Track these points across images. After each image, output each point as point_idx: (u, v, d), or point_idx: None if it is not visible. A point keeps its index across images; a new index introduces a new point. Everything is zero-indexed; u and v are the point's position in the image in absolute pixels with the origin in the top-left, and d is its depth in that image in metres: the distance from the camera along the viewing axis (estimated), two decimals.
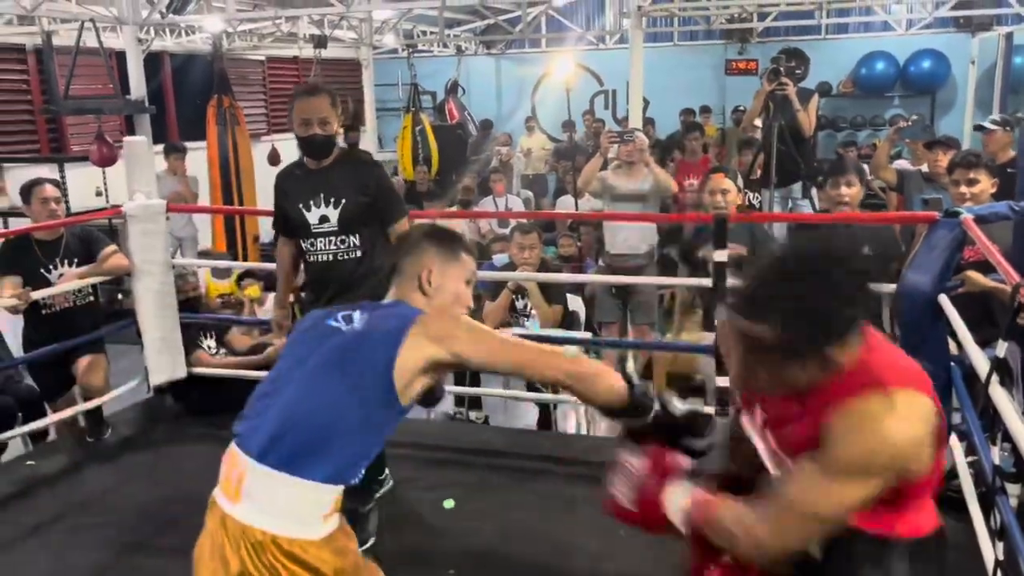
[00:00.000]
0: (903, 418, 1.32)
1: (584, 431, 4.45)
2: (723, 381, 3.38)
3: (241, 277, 5.48)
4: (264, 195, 8.42)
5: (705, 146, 8.03)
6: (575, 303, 4.89)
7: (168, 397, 4.40)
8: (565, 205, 7.86)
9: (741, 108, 10.25)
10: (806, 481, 1.37)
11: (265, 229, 8.34)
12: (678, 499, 1.53)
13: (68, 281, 3.99)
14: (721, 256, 3.23)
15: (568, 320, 4.56)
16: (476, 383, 4.48)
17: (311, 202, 2.94)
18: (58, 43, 7.27)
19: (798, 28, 11.29)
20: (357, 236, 2.94)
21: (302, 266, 3.16)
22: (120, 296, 6.50)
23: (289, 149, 9.71)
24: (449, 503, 3.23)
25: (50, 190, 4.06)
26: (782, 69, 5.32)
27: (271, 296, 5.18)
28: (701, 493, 1.52)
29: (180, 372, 4.21)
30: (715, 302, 3.29)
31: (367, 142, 11.50)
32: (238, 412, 4.11)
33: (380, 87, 12.41)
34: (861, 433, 1.31)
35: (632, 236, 4.99)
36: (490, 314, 4.50)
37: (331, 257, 2.96)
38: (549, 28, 11.83)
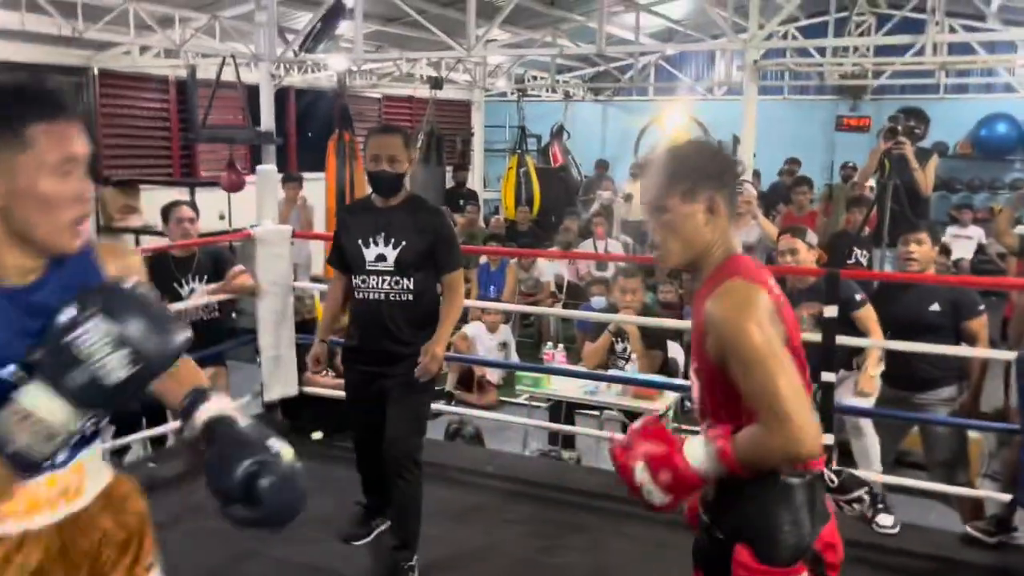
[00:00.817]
0: (745, 290, 1.51)
1: None
2: None
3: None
4: None
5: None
6: (674, 350, 4.91)
7: (278, 413, 4.62)
8: None
9: (850, 164, 10.07)
10: (758, 379, 1.46)
11: None
12: (697, 451, 1.52)
13: (200, 297, 4.27)
14: (832, 312, 3.21)
15: (667, 366, 4.58)
16: (571, 421, 4.56)
17: (371, 239, 2.97)
18: (198, 76, 7.81)
19: (915, 86, 11.06)
20: (411, 279, 2.97)
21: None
22: (234, 315, 6.85)
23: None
24: None
25: (186, 211, 4.40)
26: (900, 128, 5.26)
27: None
28: (711, 437, 1.53)
29: (292, 390, 4.42)
30: (826, 358, 3.25)
31: (474, 181, 11.80)
32: (343, 431, 4.28)
33: (489, 128, 12.75)
34: (730, 312, 1.48)
35: None
36: (589, 355, 4.57)
37: (382, 296, 2.98)
38: (658, 77, 11.95)
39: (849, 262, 5.52)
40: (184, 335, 1.26)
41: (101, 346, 1.13)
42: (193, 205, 4.55)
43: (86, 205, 1.28)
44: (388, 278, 2.96)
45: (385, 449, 2.94)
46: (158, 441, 4.65)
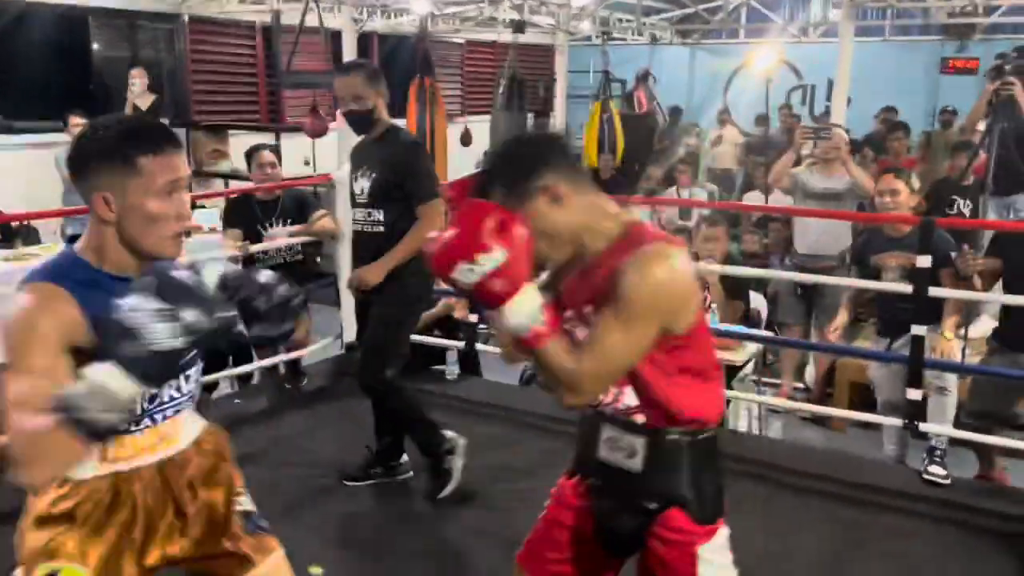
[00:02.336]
0: (682, 261, 1.46)
1: (756, 431, 4.34)
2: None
3: None
4: (454, 174, 8.75)
5: (908, 148, 7.55)
6: (757, 301, 4.77)
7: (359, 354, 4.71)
8: (752, 201, 7.64)
9: (950, 109, 9.50)
10: (611, 327, 1.43)
11: None
12: (525, 308, 1.40)
13: (279, 238, 4.36)
14: (924, 262, 3.05)
15: (749, 317, 4.46)
16: None
17: (357, 172, 3.09)
18: (283, 21, 7.88)
19: None
20: (381, 211, 3.03)
21: None
22: (319, 259, 6.99)
23: (481, 131, 10.07)
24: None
25: (267, 156, 4.48)
26: (1008, 67, 4.90)
27: None
28: (548, 315, 1.42)
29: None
30: (917, 310, 3.10)
31: (556, 128, 11.65)
32: (418, 373, 4.33)
33: (572, 74, 12.51)
34: (651, 267, 1.43)
35: (825, 236, 4.80)
36: None
37: (360, 227, 3.11)
38: (749, 19, 11.47)
39: (950, 212, 5.23)
40: (226, 312, 1.48)
41: (151, 323, 1.29)
42: (276, 150, 4.62)
43: (186, 221, 1.52)
44: (364, 210, 3.07)
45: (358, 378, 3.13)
46: (244, 379, 4.82)
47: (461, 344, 4.35)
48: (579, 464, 1.69)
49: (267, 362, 4.42)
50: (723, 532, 1.58)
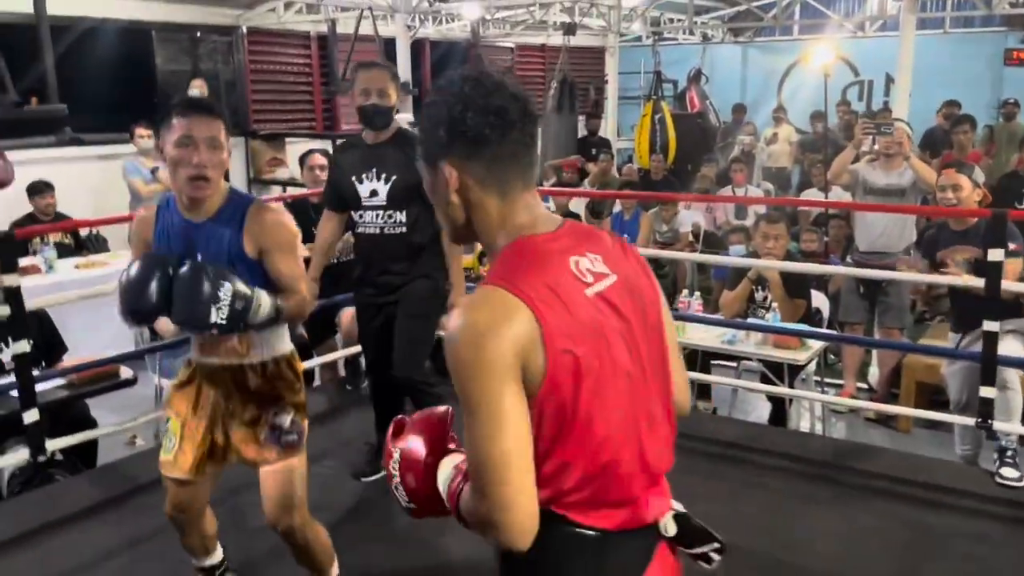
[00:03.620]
0: (476, 311, 1.12)
1: (820, 431, 4.28)
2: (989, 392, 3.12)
3: (483, 253, 5.79)
4: None
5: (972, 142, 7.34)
6: (818, 299, 4.69)
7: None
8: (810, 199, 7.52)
9: (1011, 101, 9.20)
10: (469, 429, 1.11)
11: None
12: (445, 472, 1.27)
13: (344, 243, 4.43)
14: (997, 256, 2.97)
15: (810, 315, 4.39)
16: (707, 372, 4.46)
17: (364, 175, 3.05)
18: (338, 30, 8.01)
19: None
20: (403, 212, 3.03)
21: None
22: None
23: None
24: None
25: (318, 158, 4.59)
26: None
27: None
28: (458, 469, 1.24)
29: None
30: (988, 306, 3.02)
31: (607, 130, 11.62)
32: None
33: (623, 75, 12.47)
34: (454, 339, 1.10)
35: (889, 232, 4.70)
36: (728, 303, 4.44)
37: (378, 231, 3.07)
38: (803, 14, 11.29)
39: (1019, 205, 5.09)
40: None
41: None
42: (326, 152, 4.72)
43: (201, 169, 2.02)
44: (382, 212, 3.05)
45: (392, 375, 3.11)
46: (305, 379, 4.90)
47: None
48: None
49: (328, 358, 4.49)
50: None
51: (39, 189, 5.69)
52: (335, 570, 2.45)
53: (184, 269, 2.04)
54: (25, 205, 5.71)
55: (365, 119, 3.08)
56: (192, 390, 2.25)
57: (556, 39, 10.46)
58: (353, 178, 3.08)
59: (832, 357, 5.36)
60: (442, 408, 1.37)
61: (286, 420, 2.22)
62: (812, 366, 4.28)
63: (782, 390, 4.05)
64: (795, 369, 4.10)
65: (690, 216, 7.43)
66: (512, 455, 1.10)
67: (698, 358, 4.43)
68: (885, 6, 9.88)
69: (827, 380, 4.79)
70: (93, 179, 6.76)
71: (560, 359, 1.12)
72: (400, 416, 1.40)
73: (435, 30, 10.05)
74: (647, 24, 11.34)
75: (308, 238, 4.47)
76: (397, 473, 1.30)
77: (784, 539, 2.92)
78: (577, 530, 1.18)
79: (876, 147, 4.90)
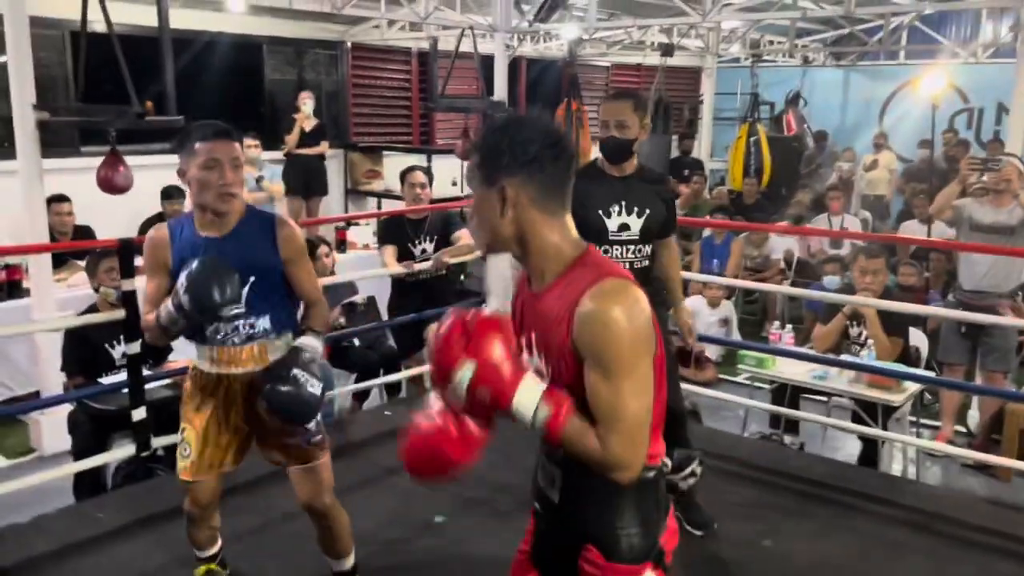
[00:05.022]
0: (639, 294, 1.41)
1: (912, 475, 4.13)
2: None
3: None
4: None
5: None
6: (916, 337, 4.54)
7: None
8: (909, 231, 7.28)
9: None
10: (613, 387, 1.38)
11: None
12: (529, 398, 1.40)
13: (437, 261, 4.53)
14: None
15: (907, 354, 4.26)
16: (795, 406, 4.37)
17: (611, 208, 2.94)
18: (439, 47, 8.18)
19: None
20: (648, 246, 3.01)
21: None
22: (463, 277, 7.20)
23: None
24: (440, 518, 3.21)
25: (419, 176, 4.71)
26: None
27: None
28: (554, 399, 1.40)
29: None
30: None
31: (700, 150, 11.50)
32: None
33: (719, 95, 12.33)
34: (619, 308, 1.37)
35: (995, 272, 4.52)
36: (821, 338, 4.34)
37: (627, 265, 2.96)
38: (911, 39, 10.93)
39: None
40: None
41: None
42: (428, 171, 4.83)
43: (228, 187, 2.24)
44: (632, 247, 2.97)
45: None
46: (393, 389, 5.03)
47: None
48: (533, 487, 1.66)
49: (414, 371, 4.60)
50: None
51: (170, 194, 6.03)
52: (352, 559, 2.62)
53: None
54: (155, 207, 6.09)
55: (603, 152, 3.00)
56: (209, 401, 2.40)
57: (653, 58, 10.41)
58: (600, 211, 2.94)
59: (929, 397, 5.17)
60: (498, 313, 1.49)
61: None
62: (908, 406, 4.14)
63: (875, 431, 3.94)
64: (889, 409, 3.98)
65: (782, 242, 7.29)
66: (646, 411, 1.41)
67: (787, 392, 4.35)
68: (1000, 32, 9.49)
69: (923, 421, 4.63)
70: None
71: (658, 337, 1.45)
72: (456, 311, 1.46)
73: (532, 48, 10.15)
74: (746, 46, 11.18)
75: (405, 253, 4.61)
76: (467, 377, 1.39)
77: None
78: (652, 472, 1.51)
79: (984, 179, 4.72)
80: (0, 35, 4.56)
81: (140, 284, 2.76)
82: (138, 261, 2.79)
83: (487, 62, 7.71)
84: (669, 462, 1.59)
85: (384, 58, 9.28)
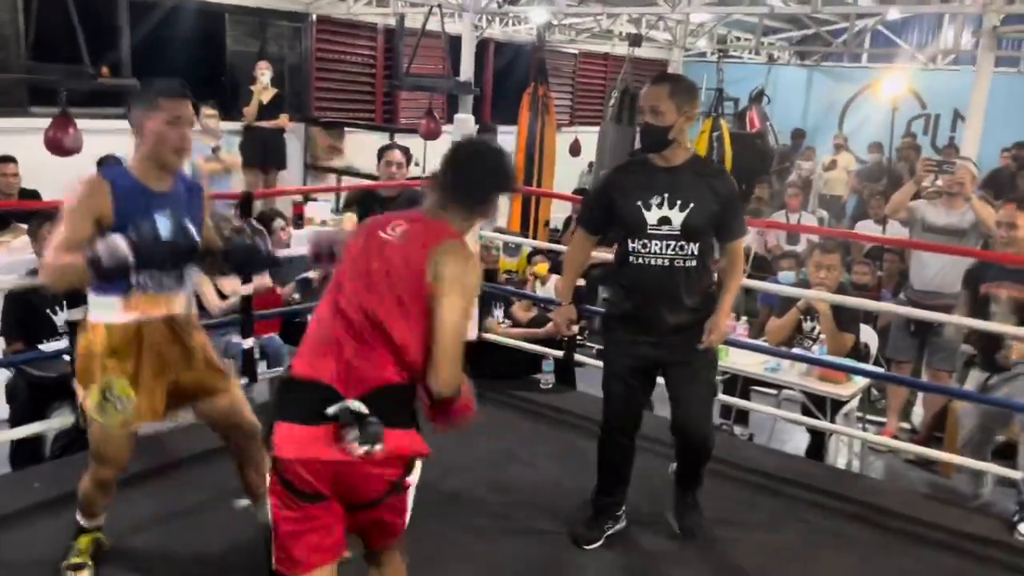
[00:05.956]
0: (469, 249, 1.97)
1: (857, 469, 4.20)
2: None
3: (532, 255, 5.81)
4: (562, 183, 8.79)
5: None
6: (866, 334, 4.61)
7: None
8: (864, 230, 7.39)
9: None
10: (457, 312, 1.86)
11: (557, 215, 8.71)
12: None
13: None
14: None
15: (858, 350, 4.32)
16: (746, 397, 4.41)
17: (651, 201, 2.73)
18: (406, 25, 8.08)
19: None
20: (696, 244, 2.75)
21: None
22: None
23: (590, 142, 10.08)
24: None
25: (396, 155, 4.63)
26: None
27: (554, 277, 5.45)
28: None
29: (472, 335, 4.54)
30: None
31: None
32: (518, 377, 4.35)
33: None
34: (467, 261, 1.92)
35: (946, 273, 4.60)
36: (774, 331, 4.38)
37: (666, 262, 2.75)
38: (874, 42, 11.10)
39: None
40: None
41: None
42: (407, 151, 4.75)
43: (187, 143, 2.38)
44: (673, 243, 2.73)
45: (684, 429, 2.84)
46: None
47: (559, 353, 4.35)
48: None
49: None
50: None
51: (106, 163, 5.84)
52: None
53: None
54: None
55: (640, 141, 2.83)
56: (129, 350, 2.42)
57: (620, 49, 10.42)
58: (639, 203, 2.74)
59: (876, 393, 5.26)
60: None
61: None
62: (855, 402, 4.21)
63: (824, 424, 3.99)
64: (838, 403, 4.04)
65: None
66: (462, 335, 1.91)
67: (738, 383, 4.39)
68: (959, 40, 9.67)
69: (868, 417, 4.71)
70: None
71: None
72: None
73: (500, 31, 10.08)
74: (713, 40, 11.25)
75: None
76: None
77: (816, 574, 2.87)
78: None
79: (939, 182, 4.80)
80: None
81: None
82: None
83: (455, 42, 7.63)
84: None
85: (349, 33, 9.14)
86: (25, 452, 3.55)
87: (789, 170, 10.68)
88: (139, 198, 2.34)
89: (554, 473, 3.48)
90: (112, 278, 2.26)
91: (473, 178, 2.01)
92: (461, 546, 2.93)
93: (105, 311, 2.39)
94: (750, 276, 6.91)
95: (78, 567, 2.56)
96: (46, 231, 3.48)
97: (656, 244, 2.74)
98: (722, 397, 4.41)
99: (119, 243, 2.18)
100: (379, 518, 1.95)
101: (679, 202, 2.71)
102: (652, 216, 2.73)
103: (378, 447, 1.78)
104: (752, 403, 4.38)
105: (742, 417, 4.58)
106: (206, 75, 8.03)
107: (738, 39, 11.73)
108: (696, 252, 2.74)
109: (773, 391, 4.52)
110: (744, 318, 4.78)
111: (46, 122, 4.66)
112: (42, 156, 4.43)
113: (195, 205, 2.49)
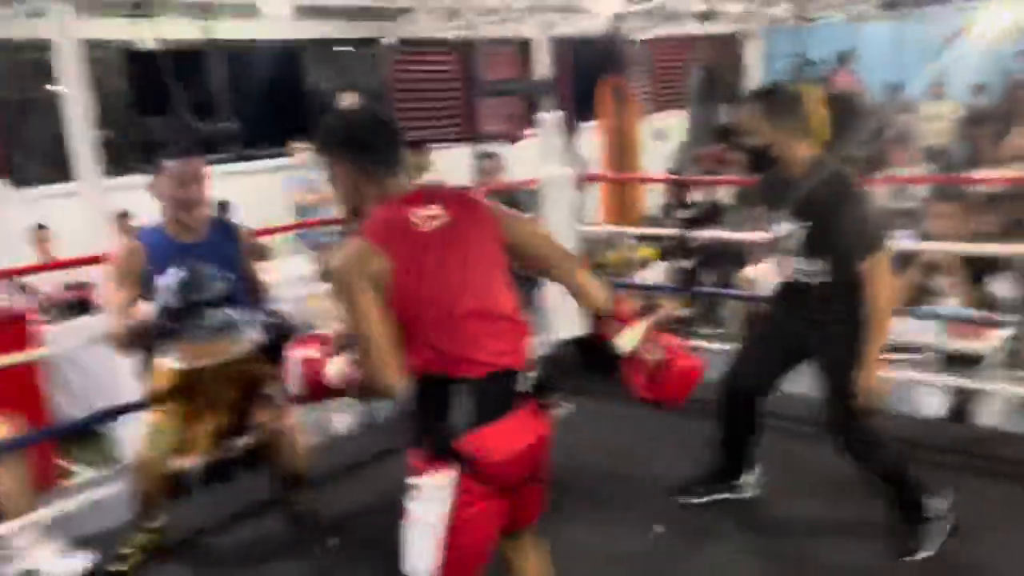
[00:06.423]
0: (338, 253, 1.80)
1: (1008, 428, 3.95)
2: None
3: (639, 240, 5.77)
4: (652, 170, 8.67)
5: None
6: (998, 285, 4.33)
7: (568, 352, 4.74)
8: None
9: None
10: (350, 326, 1.82)
11: (651, 202, 8.59)
12: (336, 366, 1.92)
13: None
14: None
15: (990, 302, 4.06)
16: None
17: (779, 214, 2.69)
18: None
19: None
20: (821, 262, 2.61)
21: None
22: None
23: (673, 126, 9.90)
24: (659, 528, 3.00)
25: (488, 164, 4.73)
26: None
27: (661, 263, 5.38)
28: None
29: (579, 331, 4.50)
30: None
31: None
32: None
33: (767, 59, 12.04)
34: (336, 262, 1.81)
35: None
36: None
37: (793, 278, 2.71)
38: None
39: None
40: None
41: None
42: (499, 158, 4.81)
43: (190, 198, 2.65)
44: (796, 260, 2.67)
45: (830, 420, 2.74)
46: None
47: None
48: None
49: None
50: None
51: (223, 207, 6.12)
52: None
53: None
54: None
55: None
56: (186, 393, 2.74)
57: (693, 28, 10.21)
58: (771, 217, 2.75)
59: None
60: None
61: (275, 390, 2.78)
62: (997, 357, 3.96)
63: (959, 382, 3.77)
64: (975, 360, 3.81)
65: None
66: (370, 335, 1.80)
67: None
68: None
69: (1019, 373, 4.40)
70: (257, 192, 7.15)
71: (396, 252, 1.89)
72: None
73: (572, 27, 10.02)
74: (792, 4, 10.87)
75: None
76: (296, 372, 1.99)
77: (992, 544, 2.70)
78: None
79: None
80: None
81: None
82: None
83: (529, 45, 7.63)
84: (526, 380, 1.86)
85: (424, 51, 9.27)
86: (169, 488, 3.71)
87: (886, 127, 10.22)
88: (171, 252, 2.64)
89: (676, 463, 3.41)
90: (140, 345, 2.67)
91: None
92: (579, 540, 2.90)
93: (165, 356, 2.76)
94: None
95: (124, 557, 2.85)
96: None
97: (787, 262, 2.79)
98: None
99: (144, 311, 2.56)
100: (540, 488, 1.98)
101: (798, 215, 2.66)
102: (781, 230, 2.76)
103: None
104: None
105: None
106: (291, 111, 8.30)
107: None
108: (825, 270, 2.65)
109: (902, 357, 4.30)
110: None
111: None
112: (153, 207, 4.66)
113: (229, 246, 2.76)
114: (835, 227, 2.53)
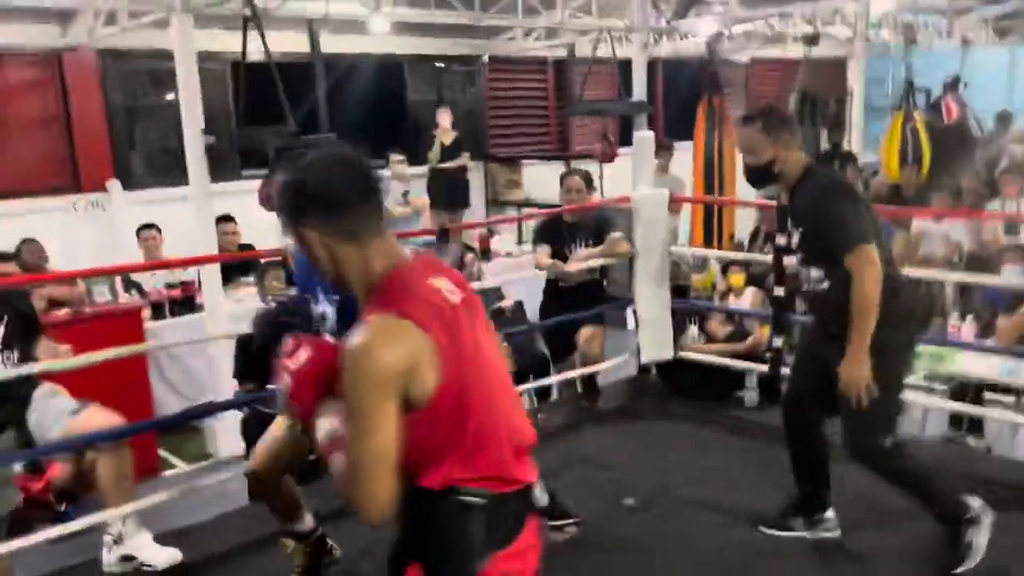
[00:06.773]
0: (369, 336, 1.38)
1: None
2: None
3: (725, 268, 5.66)
4: (743, 194, 8.50)
5: None
6: None
7: (653, 375, 4.70)
8: None
9: None
10: (349, 429, 1.41)
11: (741, 227, 8.44)
12: (323, 426, 1.52)
13: (578, 261, 4.49)
14: None
15: None
16: (979, 403, 4.03)
17: (788, 225, 2.82)
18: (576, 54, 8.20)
19: None
20: (819, 269, 2.68)
21: None
22: (605, 283, 7.12)
23: None
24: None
25: (575, 182, 4.67)
26: None
27: (750, 289, 5.26)
28: (336, 434, 1.48)
29: (668, 353, 4.46)
30: None
31: (851, 142, 10.96)
32: (720, 396, 4.24)
33: (869, 84, 11.72)
34: (348, 358, 1.38)
35: None
36: (1007, 330, 3.99)
37: (803, 286, 2.77)
38: None
39: None
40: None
41: None
42: (587, 175, 4.78)
43: None
44: (803, 268, 2.76)
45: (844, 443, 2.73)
46: (543, 394, 5.01)
47: (763, 367, 4.17)
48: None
49: (567, 375, 4.56)
50: None
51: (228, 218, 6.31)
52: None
53: None
54: None
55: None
56: None
57: (794, 51, 10.02)
58: (785, 229, 2.87)
59: None
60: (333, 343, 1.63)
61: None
62: None
63: None
64: None
65: (941, 232, 6.80)
66: (383, 452, 1.41)
67: (970, 389, 4.02)
68: None
69: None
70: None
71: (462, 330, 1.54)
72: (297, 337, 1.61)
73: (668, 48, 9.98)
74: (897, 29, 10.56)
75: (558, 257, 4.56)
76: (286, 390, 1.56)
77: None
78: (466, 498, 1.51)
79: None
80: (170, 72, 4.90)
81: None
82: None
83: (624, 65, 7.63)
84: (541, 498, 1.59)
85: (520, 69, 9.39)
86: None
87: (999, 157, 9.79)
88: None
89: (767, 491, 3.32)
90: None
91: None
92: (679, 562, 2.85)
93: None
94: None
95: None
96: (271, 278, 3.80)
97: (802, 269, 2.80)
98: (952, 405, 4.07)
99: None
100: None
101: (798, 224, 2.77)
102: (792, 241, 2.83)
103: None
104: (986, 410, 4.00)
105: (975, 427, 4.18)
106: (390, 124, 8.51)
107: (926, 25, 10.94)
108: (821, 276, 2.70)
109: (1009, 398, 4.11)
110: (971, 316, 4.39)
111: (256, 183, 5.09)
112: (255, 214, 4.83)
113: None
114: (823, 228, 2.62)
